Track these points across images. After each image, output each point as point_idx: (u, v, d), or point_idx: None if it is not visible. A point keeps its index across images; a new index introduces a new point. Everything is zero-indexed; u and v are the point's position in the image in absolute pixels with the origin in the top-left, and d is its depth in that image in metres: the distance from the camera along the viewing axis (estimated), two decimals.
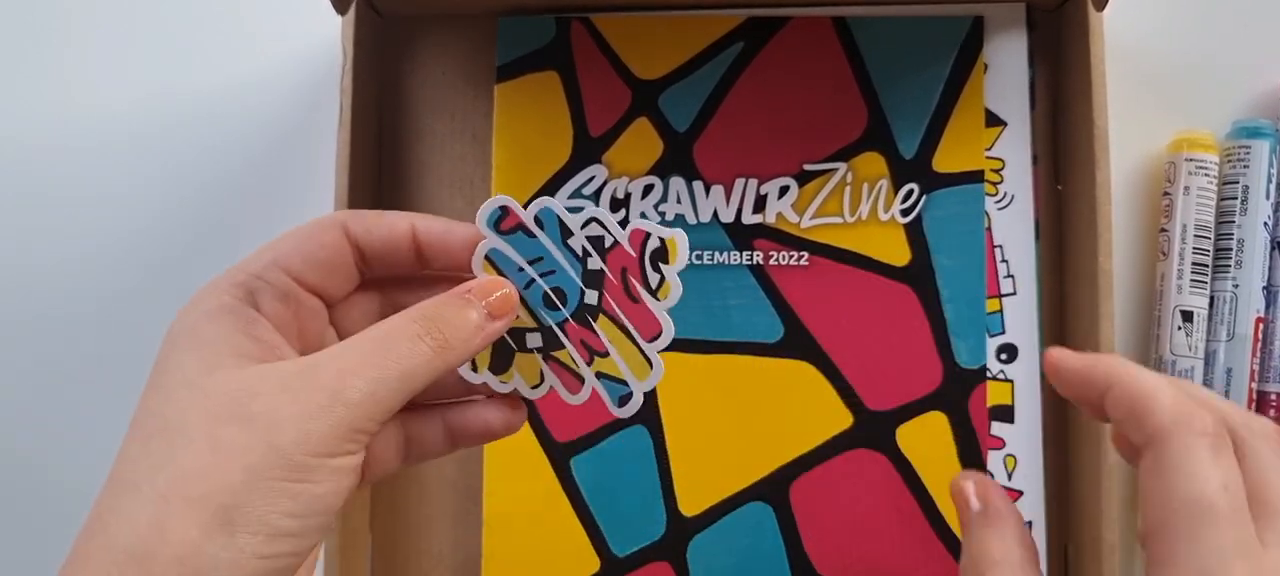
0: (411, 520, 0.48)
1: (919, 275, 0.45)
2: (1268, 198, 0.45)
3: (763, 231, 0.46)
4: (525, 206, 0.33)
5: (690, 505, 0.46)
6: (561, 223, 0.33)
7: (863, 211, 0.46)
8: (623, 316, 0.33)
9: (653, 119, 0.47)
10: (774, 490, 0.45)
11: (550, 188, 0.46)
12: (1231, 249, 0.46)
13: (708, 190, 0.46)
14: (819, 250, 0.46)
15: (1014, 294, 0.46)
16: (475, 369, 0.34)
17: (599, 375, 0.34)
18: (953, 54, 0.46)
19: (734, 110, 0.46)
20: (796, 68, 0.46)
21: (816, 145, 0.46)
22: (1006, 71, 0.46)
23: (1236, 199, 0.46)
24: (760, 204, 0.46)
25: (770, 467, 0.45)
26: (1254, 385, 0.45)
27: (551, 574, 0.46)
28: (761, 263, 0.46)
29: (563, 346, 0.34)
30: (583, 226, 0.33)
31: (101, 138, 0.51)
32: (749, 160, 0.46)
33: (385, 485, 0.48)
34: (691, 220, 0.46)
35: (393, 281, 0.35)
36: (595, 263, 0.33)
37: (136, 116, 0.51)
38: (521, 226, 0.33)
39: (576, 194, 0.46)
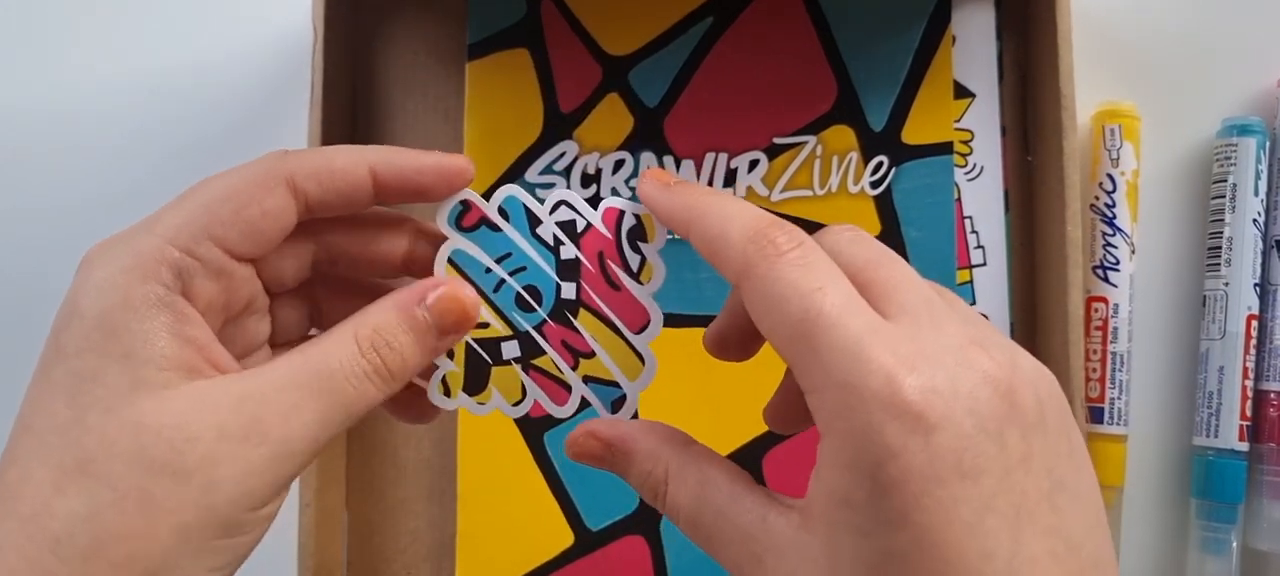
0: (387, 499, 0.48)
1: (889, 247, 0.45)
2: (1256, 195, 0.46)
3: None
4: (487, 196, 0.31)
5: None
6: (528, 211, 0.31)
7: (833, 184, 0.46)
8: (605, 308, 0.31)
9: (623, 95, 0.47)
10: (747, 462, 0.46)
11: (521, 164, 0.47)
12: (1221, 246, 0.46)
13: (678, 165, 0.46)
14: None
15: (984, 265, 0.46)
16: (449, 393, 0.31)
17: (586, 379, 0.31)
18: (921, 26, 0.46)
19: (704, 85, 0.47)
20: (766, 42, 0.47)
21: (786, 119, 0.46)
22: (974, 43, 0.46)
23: (1225, 197, 0.46)
24: (731, 178, 0.46)
25: (743, 440, 0.46)
26: (1248, 383, 0.45)
27: (526, 549, 0.46)
28: None
29: (543, 352, 0.31)
30: (551, 211, 0.31)
31: (70, 115, 0.51)
32: (719, 134, 0.46)
33: (360, 464, 0.48)
34: None
35: (331, 223, 0.31)
36: (569, 251, 0.31)
37: (105, 94, 0.51)
38: (485, 221, 0.31)
39: (547, 170, 0.46)
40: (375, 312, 0.29)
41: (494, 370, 0.31)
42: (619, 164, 0.46)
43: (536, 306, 0.31)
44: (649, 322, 0.31)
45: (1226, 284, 0.46)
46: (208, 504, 0.26)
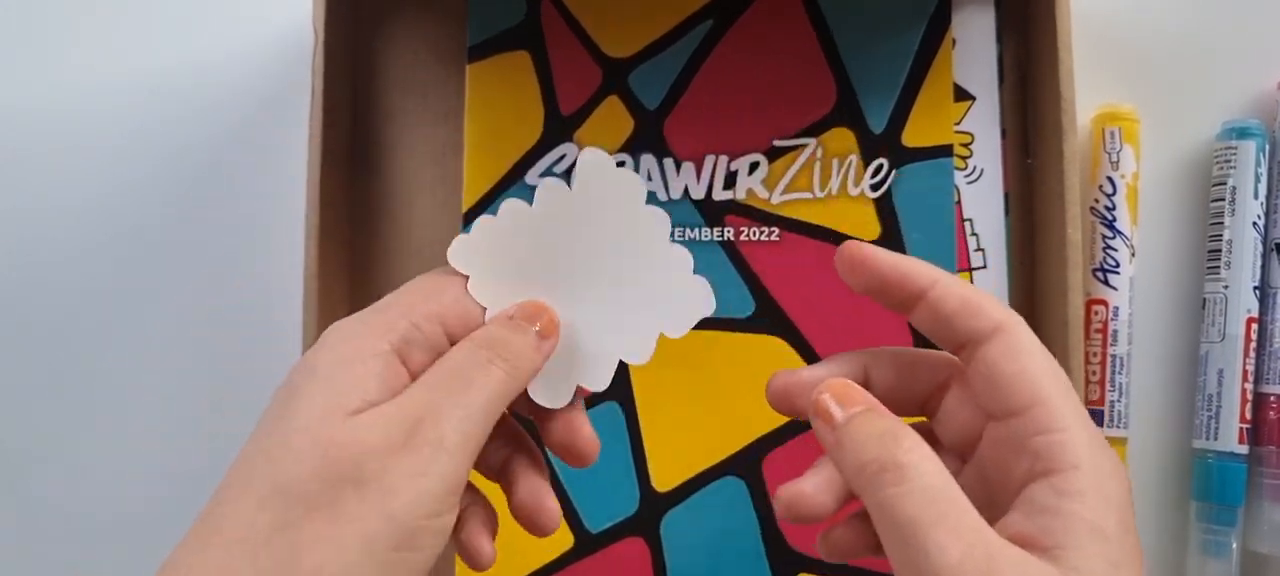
0: None
1: (889, 249, 0.45)
2: (1256, 197, 0.46)
3: (733, 208, 0.46)
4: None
5: (663, 480, 0.46)
6: None
7: (833, 187, 0.46)
8: None
9: (623, 97, 0.47)
10: (746, 465, 0.46)
11: (521, 166, 0.47)
12: (1221, 249, 0.46)
13: (679, 167, 0.46)
14: (789, 226, 0.46)
15: (984, 267, 0.46)
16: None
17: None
18: (921, 29, 0.46)
19: (704, 87, 0.47)
20: (766, 44, 0.47)
21: (786, 121, 0.46)
22: (974, 46, 0.46)
23: (1225, 199, 0.46)
24: (731, 180, 0.46)
25: (742, 442, 0.46)
26: (1248, 385, 0.45)
27: (526, 551, 0.46)
28: (732, 239, 0.46)
29: None
30: None
31: (70, 115, 0.51)
32: (719, 137, 0.46)
33: None
34: (663, 197, 0.46)
35: None
36: None
37: (105, 94, 0.51)
38: None
39: (547, 172, 0.46)
40: (480, 329, 0.32)
41: None
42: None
43: None
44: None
45: (1226, 286, 0.46)
46: (388, 512, 0.27)
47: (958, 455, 0.32)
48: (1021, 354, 0.30)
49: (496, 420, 0.30)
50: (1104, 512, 0.27)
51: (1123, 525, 0.27)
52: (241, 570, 0.26)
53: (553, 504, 0.33)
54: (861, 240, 0.33)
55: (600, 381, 0.32)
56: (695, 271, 0.32)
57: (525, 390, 0.32)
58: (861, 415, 0.29)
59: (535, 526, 0.33)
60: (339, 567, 0.26)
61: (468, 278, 0.32)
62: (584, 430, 0.33)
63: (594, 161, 0.32)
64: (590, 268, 0.32)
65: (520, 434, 0.34)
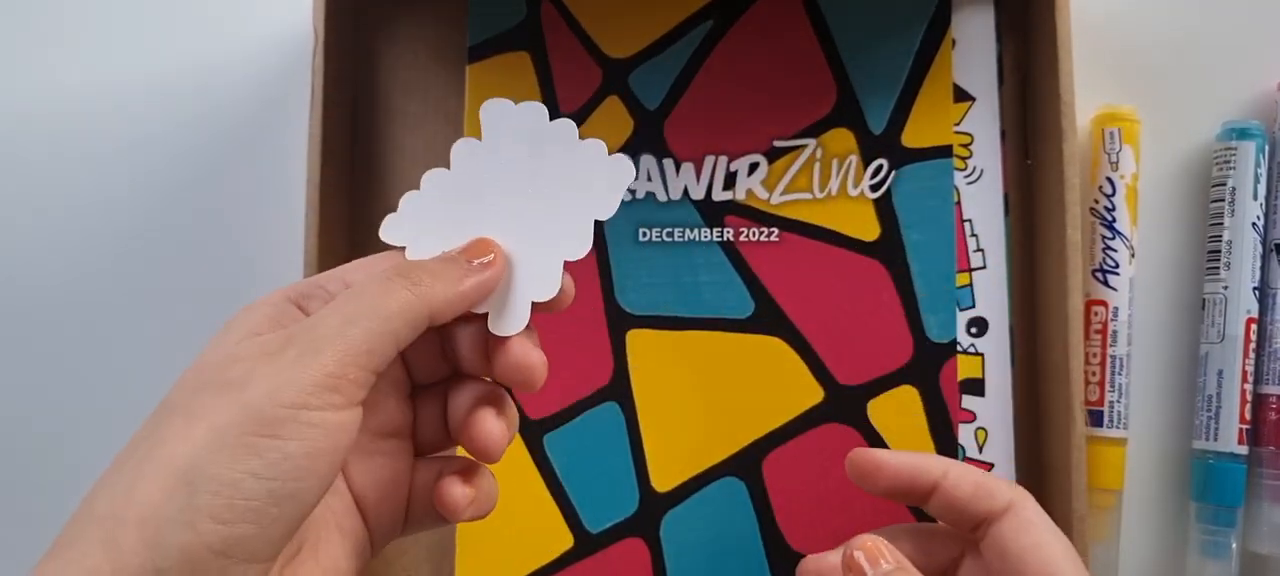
0: None
1: (889, 250, 0.46)
2: (1256, 198, 0.46)
3: (733, 208, 0.46)
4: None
5: (663, 481, 0.46)
6: None
7: (832, 187, 0.46)
8: None
9: (623, 97, 0.47)
10: (746, 465, 0.46)
11: None
12: (1220, 250, 0.46)
13: (678, 167, 0.46)
14: (789, 226, 0.46)
15: (984, 268, 0.46)
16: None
17: None
18: (921, 29, 0.46)
19: (704, 88, 0.47)
20: (765, 45, 0.47)
21: (786, 122, 0.46)
22: (974, 46, 0.46)
23: (1224, 200, 0.46)
24: (730, 181, 0.46)
25: (742, 443, 0.46)
26: (1248, 386, 0.45)
27: (525, 551, 0.46)
28: (732, 239, 0.46)
29: None
30: None
31: (70, 117, 0.51)
32: (719, 137, 0.46)
33: None
34: (662, 197, 0.46)
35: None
36: None
37: (105, 96, 0.51)
38: None
39: None
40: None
41: None
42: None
43: None
44: None
45: (1226, 287, 0.46)
46: (242, 400, 0.27)
47: None
48: (1033, 530, 0.35)
49: (401, 339, 0.30)
50: None
51: None
52: (107, 471, 0.28)
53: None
54: (867, 449, 0.38)
55: (550, 289, 0.33)
56: (609, 153, 0.34)
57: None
58: (892, 574, 0.33)
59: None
60: (188, 450, 0.26)
61: (403, 249, 0.33)
62: (534, 353, 0.33)
63: (495, 109, 0.34)
64: (515, 196, 0.34)
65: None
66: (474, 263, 0.32)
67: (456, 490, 0.33)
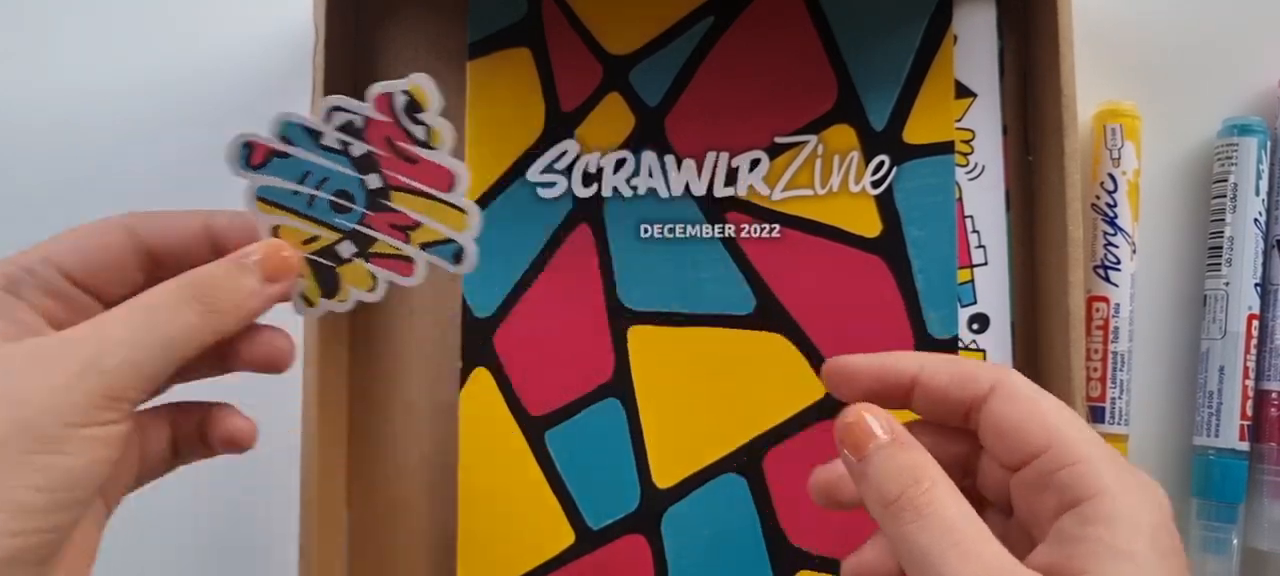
0: (387, 499, 0.48)
1: (890, 246, 0.46)
2: (1257, 194, 0.46)
3: (734, 204, 0.46)
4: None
5: (664, 477, 0.46)
6: (308, 129, 0.33)
7: (834, 183, 0.46)
8: (412, 182, 0.34)
9: (624, 94, 0.47)
10: (747, 461, 0.46)
11: (522, 163, 0.47)
12: (1222, 246, 0.46)
13: (680, 164, 0.46)
14: (790, 222, 0.46)
15: (985, 264, 0.46)
16: (311, 304, 0.35)
17: (424, 246, 0.34)
18: (922, 26, 0.46)
19: (705, 84, 0.47)
20: (767, 41, 0.46)
21: (787, 118, 0.46)
22: (975, 43, 0.46)
23: (1226, 196, 0.46)
24: (732, 177, 0.46)
25: (743, 439, 0.46)
26: (1249, 382, 0.45)
27: (527, 547, 0.46)
28: (733, 235, 0.46)
29: (375, 239, 0.34)
30: (328, 120, 0.33)
31: (70, 115, 0.51)
32: (720, 134, 0.46)
33: (361, 464, 0.48)
34: (664, 194, 0.46)
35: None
36: (359, 148, 0.33)
37: (105, 94, 0.51)
38: (274, 152, 0.33)
39: (548, 169, 0.46)
40: (204, 266, 0.32)
41: (340, 270, 0.34)
42: (620, 163, 0.46)
43: (352, 205, 0.34)
44: (455, 178, 0.34)
45: (1227, 283, 0.46)
46: (18, 417, 0.27)
47: (1002, 512, 0.33)
48: (1022, 398, 0.30)
49: (183, 361, 0.30)
50: (1131, 536, 0.27)
51: (1156, 547, 0.27)
52: None
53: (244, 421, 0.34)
54: (839, 357, 0.34)
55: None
56: None
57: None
58: (886, 448, 0.29)
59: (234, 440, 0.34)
60: None
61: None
62: (279, 338, 0.34)
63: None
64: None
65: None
66: (261, 270, 0.32)
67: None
